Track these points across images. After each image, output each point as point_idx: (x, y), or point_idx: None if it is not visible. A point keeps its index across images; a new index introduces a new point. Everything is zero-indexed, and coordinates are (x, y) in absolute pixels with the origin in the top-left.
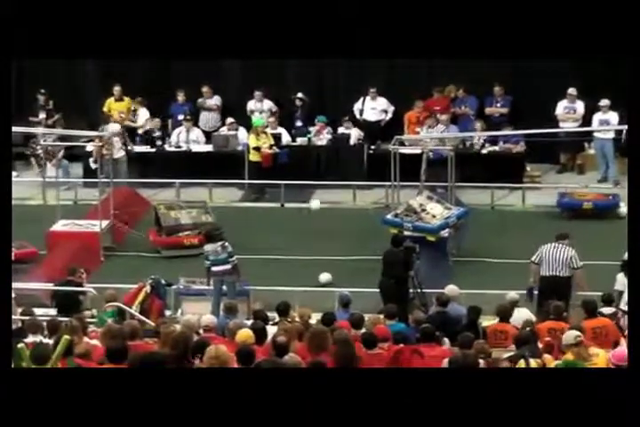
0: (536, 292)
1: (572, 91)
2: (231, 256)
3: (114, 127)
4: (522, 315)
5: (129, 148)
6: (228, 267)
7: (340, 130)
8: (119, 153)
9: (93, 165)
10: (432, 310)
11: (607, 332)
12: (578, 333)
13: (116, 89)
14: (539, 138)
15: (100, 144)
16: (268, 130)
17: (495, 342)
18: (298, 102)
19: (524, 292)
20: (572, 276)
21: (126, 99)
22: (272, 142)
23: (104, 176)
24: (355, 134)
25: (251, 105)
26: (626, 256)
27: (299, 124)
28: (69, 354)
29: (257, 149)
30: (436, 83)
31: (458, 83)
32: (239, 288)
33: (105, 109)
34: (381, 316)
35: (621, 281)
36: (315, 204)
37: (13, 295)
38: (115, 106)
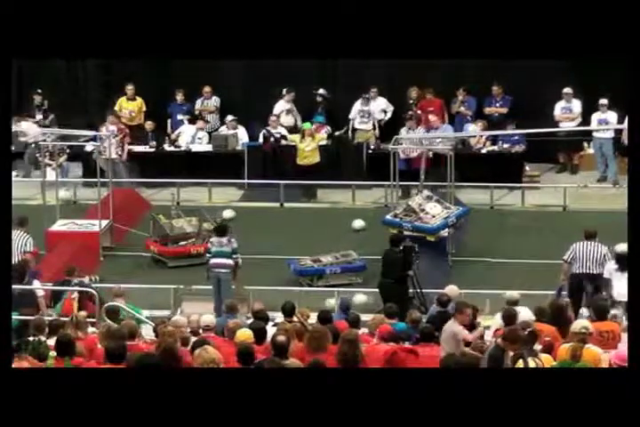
0: (564, 292)
1: (567, 90)
2: (235, 253)
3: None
4: (522, 315)
5: (125, 147)
6: (228, 262)
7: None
8: (114, 154)
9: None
10: (432, 309)
11: (614, 336)
12: (587, 324)
13: (129, 88)
14: (538, 137)
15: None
16: (269, 129)
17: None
18: (318, 98)
19: (525, 292)
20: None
21: (138, 98)
22: (317, 145)
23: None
24: (380, 102)
25: (280, 106)
26: None
27: (319, 119)
28: (69, 354)
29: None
30: (430, 83)
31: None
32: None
33: (116, 108)
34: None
35: None
36: (358, 223)
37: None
38: (126, 105)
